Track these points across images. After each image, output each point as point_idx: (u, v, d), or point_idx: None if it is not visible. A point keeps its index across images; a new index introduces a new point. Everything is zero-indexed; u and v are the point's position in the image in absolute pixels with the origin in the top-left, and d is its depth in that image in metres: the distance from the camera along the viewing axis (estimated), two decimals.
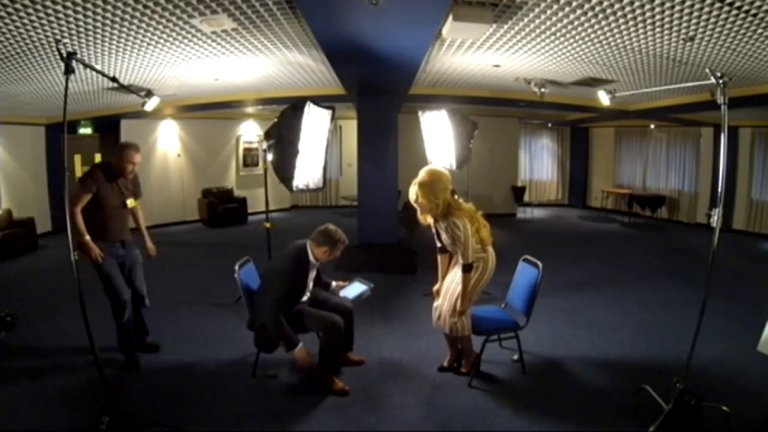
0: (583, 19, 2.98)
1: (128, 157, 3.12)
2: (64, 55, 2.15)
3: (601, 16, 2.90)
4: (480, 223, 2.86)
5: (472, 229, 2.76)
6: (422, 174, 2.80)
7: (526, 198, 10.67)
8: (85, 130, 9.45)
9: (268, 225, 4.89)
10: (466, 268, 2.76)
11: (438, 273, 3.11)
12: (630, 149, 10.75)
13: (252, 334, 3.01)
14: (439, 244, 3.01)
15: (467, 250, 2.72)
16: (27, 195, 7.68)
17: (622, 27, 3.11)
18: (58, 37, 3.14)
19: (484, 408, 2.72)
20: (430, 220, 2.88)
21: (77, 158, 9.51)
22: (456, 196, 2.91)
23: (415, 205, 2.85)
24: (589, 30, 3.22)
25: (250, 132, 10.17)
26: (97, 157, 9.73)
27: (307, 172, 4.59)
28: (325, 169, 5.06)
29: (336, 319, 2.88)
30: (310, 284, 3.06)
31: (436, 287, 3.10)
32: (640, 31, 3.16)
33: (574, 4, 2.72)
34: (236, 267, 3.06)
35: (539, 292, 2.98)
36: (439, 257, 3.10)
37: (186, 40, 3.52)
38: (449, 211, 2.76)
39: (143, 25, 3.05)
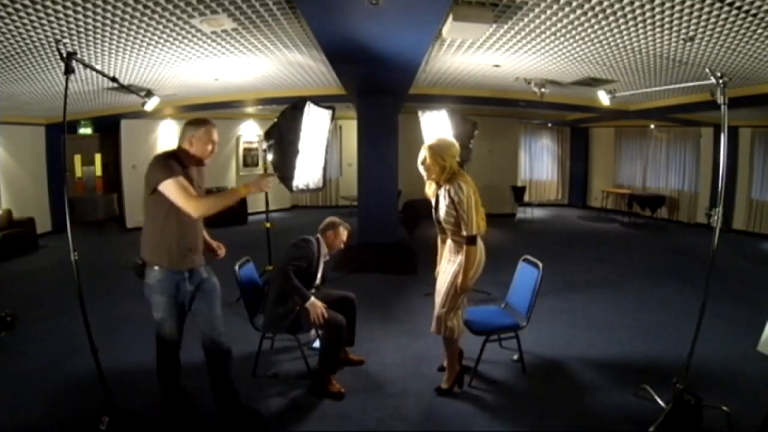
0: (583, 19, 2.98)
1: (210, 135, 2.38)
2: (64, 55, 2.15)
3: (601, 16, 2.90)
4: (480, 209, 2.71)
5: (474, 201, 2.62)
6: (433, 139, 2.78)
7: (526, 198, 10.67)
8: (85, 130, 9.47)
9: (268, 225, 4.89)
10: (471, 240, 2.58)
11: (437, 257, 2.97)
12: (630, 149, 10.76)
13: (254, 334, 3.00)
14: (435, 218, 2.81)
15: (471, 218, 2.55)
16: (27, 195, 7.69)
17: (622, 27, 3.11)
18: (58, 37, 3.14)
19: (484, 408, 2.72)
20: (432, 190, 2.78)
21: (77, 158, 9.54)
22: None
23: (421, 168, 2.74)
24: (589, 30, 3.22)
25: (250, 132, 10.18)
26: (97, 157, 9.77)
27: (307, 172, 4.59)
28: (325, 169, 5.06)
29: (339, 319, 2.88)
30: (320, 271, 3.12)
31: (437, 270, 2.96)
32: (640, 31, 3.16)
33: (574, 4, 2.72)
34: (236, 267, 3.06)
35: (539, 292, 2.98)
36: (439, 240, 2.94)
37: (186, 40, 3.52)
38: (455, 176, 2.65)
39: (143, 25, 3.05)
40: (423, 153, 2.70)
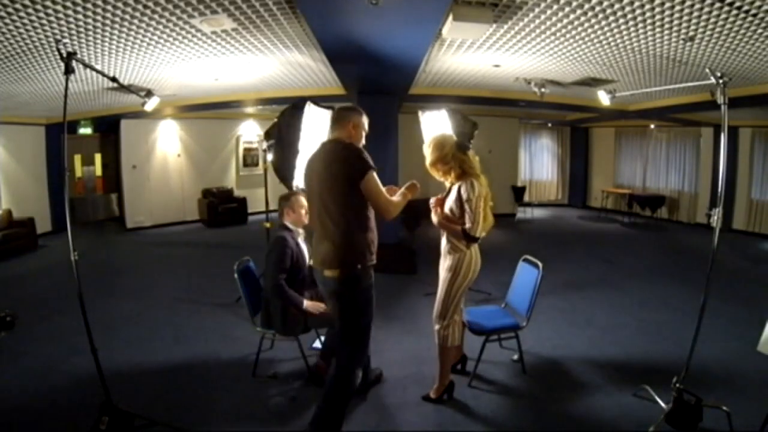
0: (583, 19, 2.98)
1: (365, 124, 2.40)
2: (64, 55, 2.15)
3: (601, 16, 2.90)
4: (489, 215, 2.67)
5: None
6: (426, 152, 2.67)
7: (526, 198, 10.67)
8: (85, 130, 9.47)
9: (268, 225, 4.89)
10: (470, 238, 2.51)
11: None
12: (630, 149, 10.76)
13: (254, 333, 3.00)
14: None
15: (477, 219, 2.49)
16: (27, 195, 7.69)
17: (622, 27, 3.11)
18: (58, 37, 3.14)
19: (484, 408, 2.72)
20: (447, 182, 2.71)
21: (77, 158, 9.53)
22: (476, 158, 2.66)
23: (443, 179, 2.69)
24: (589, 30, 3.22)
25: (250, 132, 10.18)
26: (97, 157, 9.76)
27: None
28: None
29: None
30: (306, 253, 3.03)
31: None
32: (640, 31, 3.16)
33: (574, 4, 2.72)
34: (236, 267, 3.06)
35: (539, 292, 2.98)
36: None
37: (186, 40, 3.52)
38: (468, 169, 2.58)
39: (143, 25, 3.05)
40: (432, 171, 2.68)
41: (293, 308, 2.84)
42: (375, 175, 2.16)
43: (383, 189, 2.20)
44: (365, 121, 2.38)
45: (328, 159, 2.22)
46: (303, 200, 3.00)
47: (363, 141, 2.37)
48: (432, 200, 2.73)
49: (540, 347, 3.51)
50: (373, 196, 2.15)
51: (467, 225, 2.52)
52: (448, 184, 2.74)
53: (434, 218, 2.70)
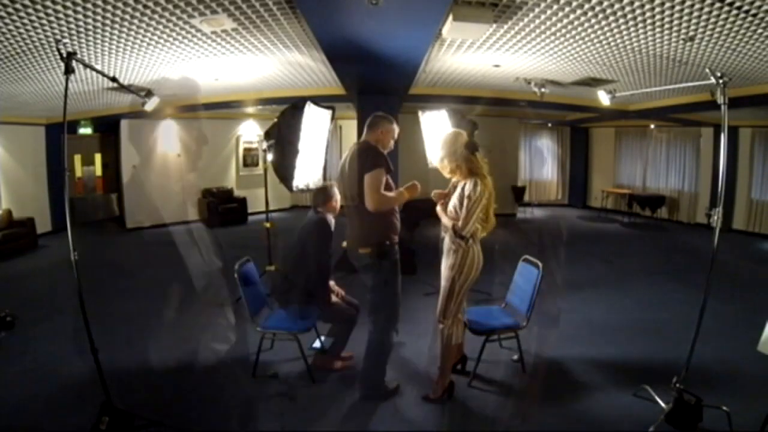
0: (583, 19, 2.98)
1: (395, 132, 2.78)
2: (64, 55, 2.15)
3: (601, 16, 2.90)
4: (491, 217, 2.70)
5: (483, 204, 2.57)
6: (437, 149, 2.79)
7: (526, 198, 10.66)
8: (85, 130, 9.47)
9: (268, 225, 4.89)
10: (460, 236, 2.58)
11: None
12: (630, 149, 10.76)
13: (254, 334, 3.01)
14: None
15: (470, 218, 2.52)
16: (27, 195, 7.69)
17: (622, 27, 3.11)
18: (58, 37, 3.14)
19: (484, 408, 2.72)
20: (454, 179, 2.77)
21: (77, 158, 9.54)
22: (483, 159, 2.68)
23: (451, 176, 2.74)
24: (589, 30, 3.22)
25: (250, 132, 10.18)
26: (97, 157, 9.77)
27: (307, 172, 4.59)
28: (325, 169, 5.05)
29: (353, 314, 3.14)
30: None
31: None
32: (640, 31, 3.16)
33: (574, 4, 2.72)
34: (236, 267, 3.06)
35: (539, 292, 2.98)
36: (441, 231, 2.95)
37: (186, 40, 3.51)
38: (475, 169, 2.61)
39: (143, 25, 3.05)
40: (441, 169, 2.75)
41: (321, 295, 2.97)
42: (381, 174, 2.53)
43: (381, 187, 2.53)
44: (395, 128, 2.76)
45: (353, 156, 2.64)
46: (338, 191, 3.17)
47: (391, 146, 2.75)
48: (435, 191, 2.83)
49: (540, 347, 3.51)
50: (366, 188, 2.52)
51: (459, 222, 2.57)
52: (454, 179, 2.78)
53: (439, 208, 2.80)
